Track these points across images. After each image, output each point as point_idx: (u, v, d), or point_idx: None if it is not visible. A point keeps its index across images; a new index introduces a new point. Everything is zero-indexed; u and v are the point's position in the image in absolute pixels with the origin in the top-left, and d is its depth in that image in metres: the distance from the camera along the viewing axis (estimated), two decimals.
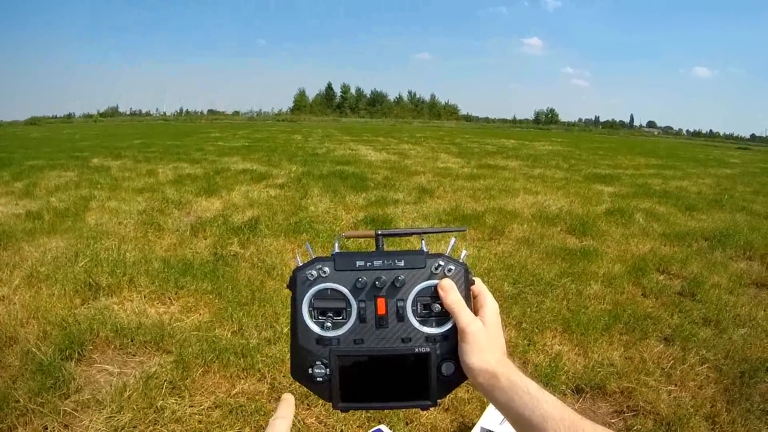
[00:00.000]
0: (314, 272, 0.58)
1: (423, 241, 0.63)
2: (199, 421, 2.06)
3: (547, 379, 2.42)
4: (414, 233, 0.66)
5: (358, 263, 0.58)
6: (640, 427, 2.12)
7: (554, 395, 0.52)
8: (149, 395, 2.18)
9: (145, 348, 2.62)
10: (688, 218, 6.19)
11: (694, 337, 2.90)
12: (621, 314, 3.15)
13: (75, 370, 2.38)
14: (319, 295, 0.58)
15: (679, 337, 2.90)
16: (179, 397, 2.20)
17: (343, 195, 6.64)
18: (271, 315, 2.96)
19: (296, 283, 0.59)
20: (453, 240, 0.64)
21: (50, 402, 2.11)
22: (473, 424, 2.00)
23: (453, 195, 6.98)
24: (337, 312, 0.58)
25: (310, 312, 0.58)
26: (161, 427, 2.01)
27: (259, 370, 2.41)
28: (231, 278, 3.52)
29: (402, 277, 0.57)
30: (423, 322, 0.58)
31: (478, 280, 0.61)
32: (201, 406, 2.16)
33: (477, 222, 5.38)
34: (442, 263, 0.58)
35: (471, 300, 0.59)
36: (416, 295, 0.58)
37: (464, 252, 0.65)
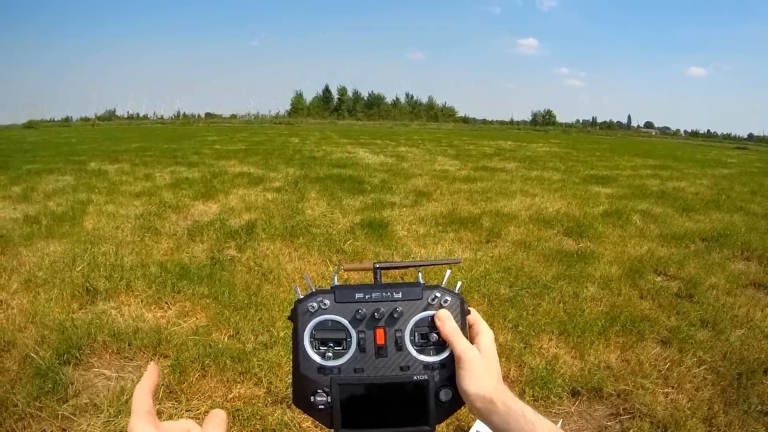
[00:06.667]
0: (315, 304, 0.60)
1: (420, 273, 0.65)
2: None
3: (543, 382, 2.42)
4: (411, 266, 0.69)
5: (357, 296, 0.61)
6: (637, 429, 2.12)
7: (548, 417, 0.54)
8: None
9: (143, 352, 2.63)
10: (685, 219, 6.21)
11: (691, 339, 2.90)
12: (618, 316, 3.15)
13: (73, 374, 2.38)
14: (320, 326, 0.60)
15: (676, 339, 2.91)
16: (176, 401, 2.21)
17: (340, 198, 6.65)
18: (268, 319, 2.97)
19: (297, 314, 0.61)
20: (448, 272, 0.66)
21: (48, 406, 2.12)
22: (469, 428, 2.01)
23: (450, 198, 6.98)
24: (338, 342, 0.60)
25: (311, 342, 0.60)
26: None
27: (256, 375, 2.41)
28: (228, 282, 3.52)
29: (400, 308, 0.60)
30: (421, 351, 0.60)
31: (473, 310, 0.63)
32: (197, 410, 2.16)
33: (474, 225, 5.39)
34: (438, 295, 0.61)
35: (467, 329, 0.61)
36: (414, 325, 0.60)
37: (459, 283, 0.67)
